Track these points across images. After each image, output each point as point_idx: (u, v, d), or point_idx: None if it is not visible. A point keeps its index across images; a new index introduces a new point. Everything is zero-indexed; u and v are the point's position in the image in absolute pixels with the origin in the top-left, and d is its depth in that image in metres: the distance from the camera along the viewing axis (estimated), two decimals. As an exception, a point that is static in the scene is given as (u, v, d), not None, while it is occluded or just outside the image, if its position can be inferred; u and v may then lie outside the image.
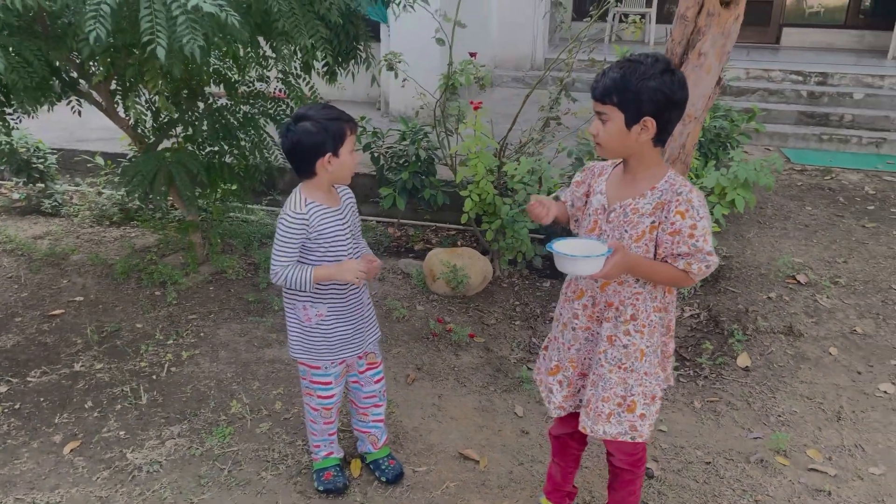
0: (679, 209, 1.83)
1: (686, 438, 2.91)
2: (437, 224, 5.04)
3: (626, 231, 1.91)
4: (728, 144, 4.95)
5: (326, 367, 2.43)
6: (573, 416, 2.17)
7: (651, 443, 2.87)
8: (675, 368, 3.35)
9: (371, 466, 2.66)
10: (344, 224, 2.31)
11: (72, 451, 2.75)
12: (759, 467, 2.74)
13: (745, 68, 8.20)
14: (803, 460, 2.79)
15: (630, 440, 2.04)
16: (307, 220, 2.21)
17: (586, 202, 2.08)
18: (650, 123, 1.80)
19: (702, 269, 1.86)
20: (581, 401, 2.14)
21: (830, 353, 3.51)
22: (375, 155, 4.35)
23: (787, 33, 10.42)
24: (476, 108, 4.00)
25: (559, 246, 1.88)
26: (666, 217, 1.85)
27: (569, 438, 2.29)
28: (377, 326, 2.57)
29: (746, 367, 3.40)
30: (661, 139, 1.86)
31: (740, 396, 3.18)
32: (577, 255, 1.83)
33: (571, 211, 2.14)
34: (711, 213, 3.83)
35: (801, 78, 8.06)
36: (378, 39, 6.78)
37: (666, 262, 1.89)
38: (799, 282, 4.21)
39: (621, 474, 2.22)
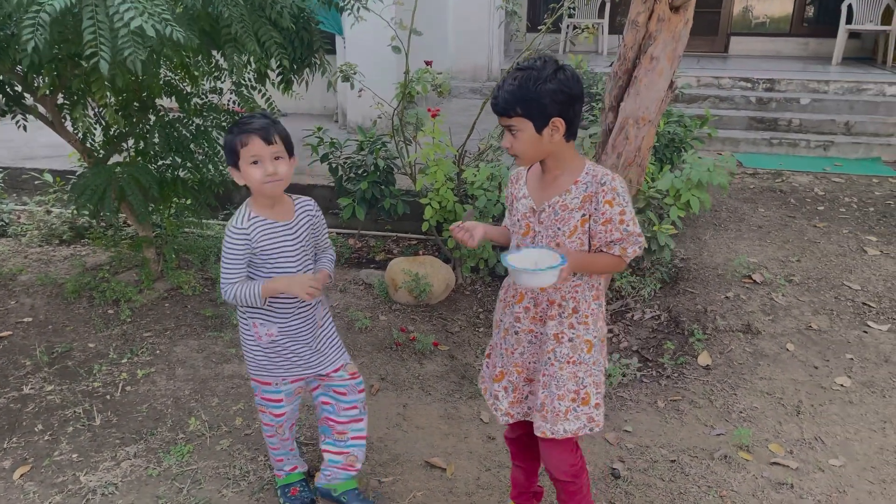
0: (607, 198, 1.88)
1: (651, 437, 2.92)
2: (398, 234, 5.01)
3: (559, 228, 1.94)
4: (682, 149, 5.04)
5: (277, 384, 2.36)
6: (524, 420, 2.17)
7: (616, 444, 2.88)
8: (638, 369, 3.38)
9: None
10: (294, 238, 2.21)
11: (22, 476, 2.63)
12: (723, 463, 2.77)
13: (696, 76, 8.38)
14: (765, 455, 2.82)
15: (589, 432, 2.06)
16: (248, 235, 2.14)
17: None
18: (559, 123, 1.83)
19: (636, 251, 1.93)
20: (530, 407, 2.13)
21: (788, 349, 3.58)
22: (333, 166, 4.31)
23: (735, 42, 10.70)
24: (434, 116, 4.00)
25: (514, 260, 1.88)
26: (596, 208, 1.89)
27: (525, 437, 2.26)
28: (339, 345, 2.45)
29: (707, 365, 3.44)
30: (571, 133, 1.89)
31: (702, 394, 3.22)
32: (534, 269, 1.82)
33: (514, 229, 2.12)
34: (668, 216, 3.89)
35: (749, 84, 8.27)
36: (334, 52, 6.75)
37: (601, 251, 1.94)
38: (755, 281, 4.29)
39: (565, 487, 2.18)
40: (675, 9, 3.26)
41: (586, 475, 2.21)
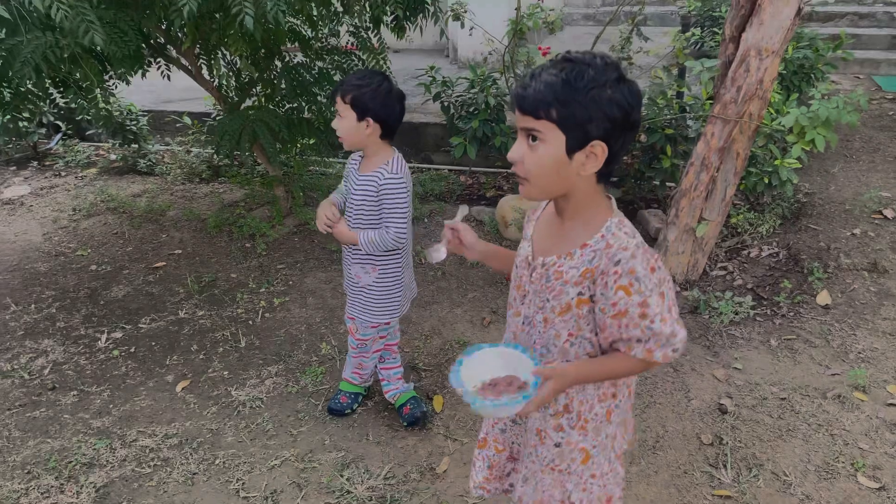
0: (620, 284, 1.33)
1: (761, 375, 2.94)
2: (509, 171, 5.08)
3: (548, 299, 1.45)
4: (812, 76, 4.74)
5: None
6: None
7: (725, 380, 2.93)
8: (752, 308, 3.35)
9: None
10: (355, 191, 2.39)
11: (183, 389, 3.04)
12: (836, 403, 2.76)
13: (834, -9, 7.72)
14: (883, 395, 2.79)
15: None
16: (348, 165, 2.51)
17: None
18: (600, 150, 1.32)
19: (667, 356, 1.38)
20: (511, 484, 1.76)
21: (917, 290, 3.43)
22: (445, 104, 4.42)
23: (883, -51, 9.67)
24: (544, 55, 3.99)
25: (468, 368, 1.43)
26: (603, 294, 1.36)
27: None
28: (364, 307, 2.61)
29: (826, 304, 3.37)
30: (608, 171, 1.37)
31: (819, 334, 3.17)
32: (486, 402, 1.38)
33: None
34: (790, 151, 3.74)
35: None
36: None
37: (617, 349, 1.42)
38: (886, 217, 4.08)
39: None
40: (805, -71, 3.07)
41: None
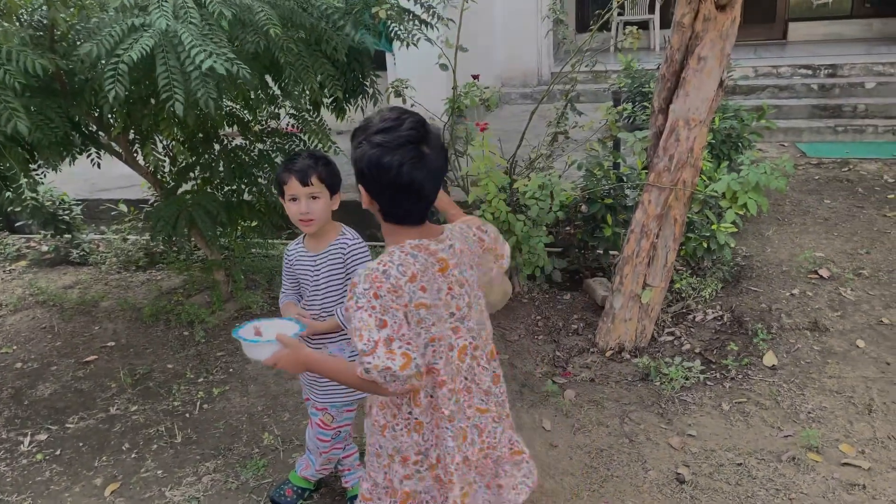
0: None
1: (716, 441, 2.90)
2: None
3: None
4: (739, 144, 4.95)
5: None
6: None
7: (680, 448, 2.87)
8: (701, 372, 3.35)
9: None
10: (314, 270, 2.34)
11: (112, 492, 2.82)
12: (791, 465, 2.73)
13: (753, 66, 8.19)
14: (836, 455, 2.77)
15: None
16: (289, 257, 2.43)
17: None
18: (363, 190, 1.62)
19: (362, 374, 1.55)
20: None
21: (858, 346, 3.48)
22: (389, 182, 4.42)
23: (794, 28, 10.38)
24: (482, 130, 4.06)
25: (248, 330, 1.88)
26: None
27: None
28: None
29: (773, 365, 3.38)
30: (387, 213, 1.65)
31: (768, 395, 3.17)
32: (242, 337, 1.83)
33: None
34: (725, 216, 3.83)
35: (810, 71, 8.04)
36: (384, 68, 6.90)
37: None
38: (822, 276, 4.18)
39: None
40: (721, 7, 3.24)
41: None
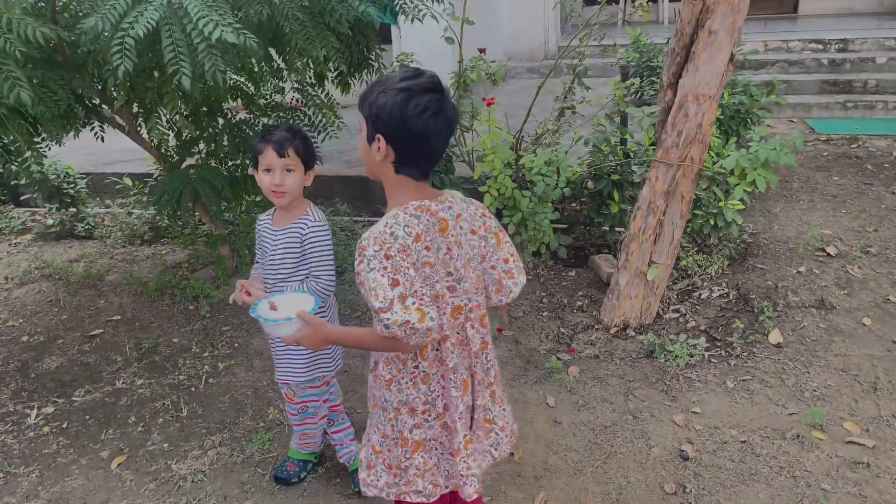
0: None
1: (720, 418, 2.90)
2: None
3: None
4: (748, 120, 4.89)
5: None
6: None
7: (684, 425, 2.88)
8: (706, 349, 3.34)
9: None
10: (273, 245, 2.33)
11: (119, 465, 2.84)
12: (795, 443, 2.73)
13: (763, 40, 8.07)
14: (840, 433, 2.77)
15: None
16: (259, 228, 2.42)
17: None
18: (383, 143, 1.62)
19: (382, 331, 1.60)
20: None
21: (864, 324, 3.47)
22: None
23: (805, 2, 10.20)
24: (489, 105, 4.02)
25: (263, 307, 1.88)
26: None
27: None
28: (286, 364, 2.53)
29: (778, 343, 3.37)
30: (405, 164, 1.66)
31: (773, 373, 3.17)
32: (260, 316, 1.83)
33: None
34: (732, 193, 3.80)
35: (821, 46, 7.92)
36: (389, 41, 6.82)
37: None
38: (829, 254, 4.16)
39: None
40: (732, -20, 3.17)
41: None
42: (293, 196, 2.28)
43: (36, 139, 3.51)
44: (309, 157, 2.30)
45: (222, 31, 2.39)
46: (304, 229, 2.27)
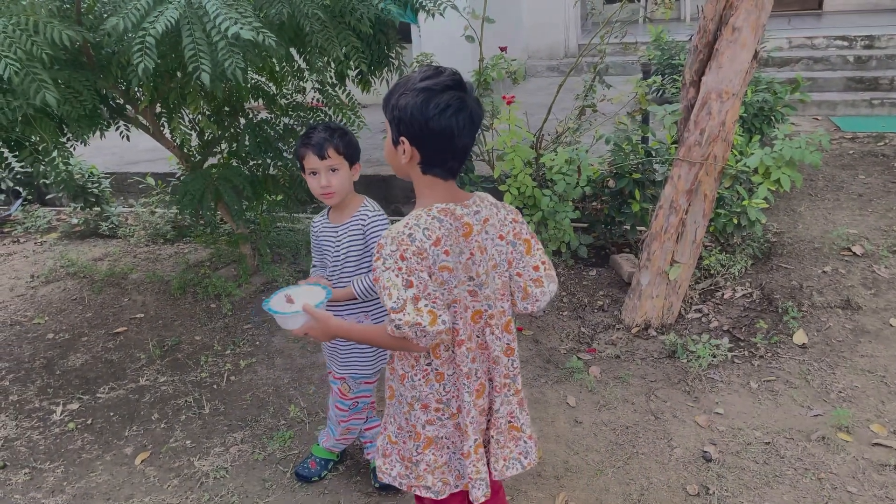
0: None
1: (743, 419, 2.87)
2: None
3: None
4: (772, 118, 4.83)
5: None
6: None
7: (707, 426, 2.85)
8: (729, 350, 3.31)
9: None
10: (335, 242, 2.34)
11: (142, 461, 2.87)
12: (820, 445, 2.69)
13: (788, 37, 7.98)
14: (867, 435, 2.72)
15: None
16: (314, 229, 2.44)
17: None
18: (407, 144, 1.62)
19: (393, 331, 1.61)
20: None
21: (891, 325, 3.41)
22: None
23: (830, -3, 10.08)
24: (509, 103, 4.01)
25: (277, 300, 1.92)
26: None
27: None
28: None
29: (803, 344, 3.33)
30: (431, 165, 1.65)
31: (798, 374, 3.12)
32: (270, 308, 1.87)
33: None
34: (756, 191, 3.75)
35: (846, 43, 7.80)
36: (409, 41, 6.83)
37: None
38: (855, 253, 4.09)
39: None
40: (756, -24, 3.14)
41: None
42: (343, 194, 2.30)
43: (62, 139, 3.56)
44: (352, 153, 2.30)
45: (240, 27, 2.40)
46: (365, 220, 2.29)
